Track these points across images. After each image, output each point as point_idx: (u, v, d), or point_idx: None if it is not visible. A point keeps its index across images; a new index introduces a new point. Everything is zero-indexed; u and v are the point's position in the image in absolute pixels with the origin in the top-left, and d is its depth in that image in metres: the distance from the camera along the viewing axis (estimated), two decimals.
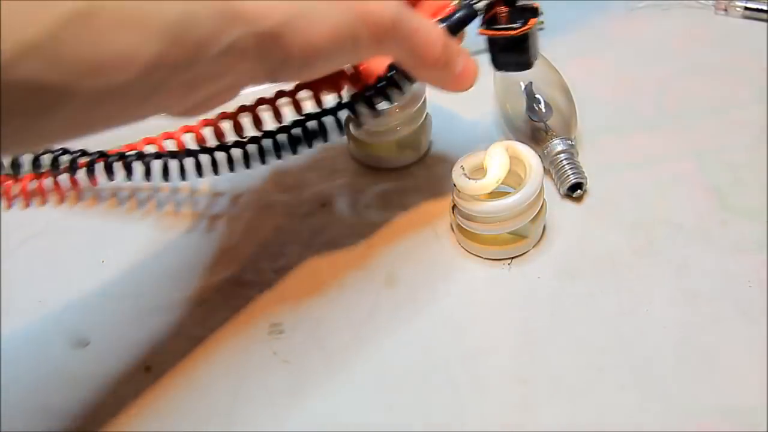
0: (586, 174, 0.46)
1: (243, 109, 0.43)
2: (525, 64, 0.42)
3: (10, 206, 0.49)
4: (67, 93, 0.26)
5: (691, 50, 0.55)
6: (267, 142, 0.42)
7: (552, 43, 0.55)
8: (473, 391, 0.39)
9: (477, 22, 0.41)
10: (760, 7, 0.57)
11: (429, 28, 0.37)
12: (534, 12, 0.41)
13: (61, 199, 0.49)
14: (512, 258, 0.44)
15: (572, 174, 0.46)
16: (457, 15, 0.40)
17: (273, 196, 0.48)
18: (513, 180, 0.44)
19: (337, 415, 0.39)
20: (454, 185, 0.43)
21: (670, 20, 0.58)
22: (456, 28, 0.40)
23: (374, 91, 0.41)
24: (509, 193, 0.42)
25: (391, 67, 0.41)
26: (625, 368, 0.39)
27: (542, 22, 0.56)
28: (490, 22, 0.41)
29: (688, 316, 0.41)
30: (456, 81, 0.39)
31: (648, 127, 0.50)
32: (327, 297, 0.43)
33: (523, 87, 0.48)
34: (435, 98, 0.49)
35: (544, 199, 0.44)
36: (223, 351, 0.41)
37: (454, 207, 0.44)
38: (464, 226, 0.44)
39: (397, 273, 0.44)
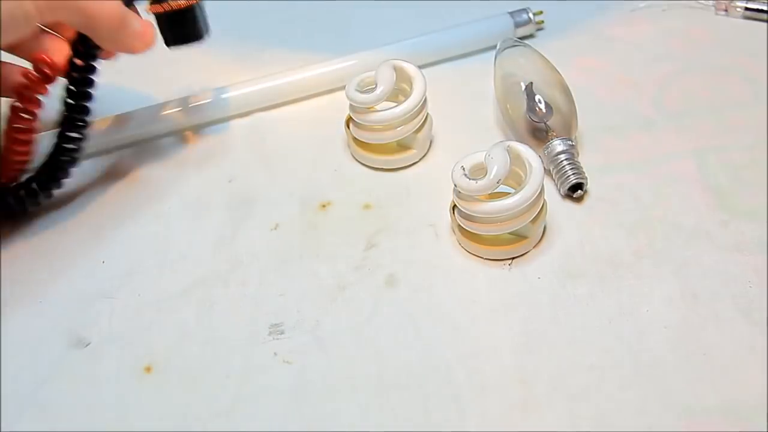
0: (586, 174, 0.46)
1: None
2: (196, 36, 0.45)
3: None
4: None
5: (691, 50, 0.55)
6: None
7: (552, 43, 0.55)
8: (473, 391, 0.39)
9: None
10: (760, 7, 0.57)
11: None
12: None
13: None
14: (512, 258, 0.44)
15: (573, 174, 0.46)
16: None
17: (273, 196, 0.48)
18: (513, 180, 0.44)
19: (337, 415, 0.39)
20: (454, 185, 0.43)
21: (670, 20, 0.58)
22: (127, 1, 0.42)
23: (74, 73, 0.42)
24: (509, 193, 0.42)
25: (73, 45, 0.42)
26: (625, 368, 0.39)
27: (542, 21, 0.56)
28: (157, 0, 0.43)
29: (688, 316, 0.41)
30: (136, 39, 0.42)
31: (648, 127, 0.50)
32: (327, 297, 0.43)
33: (523, 87, 0.48)
34: (435, 98, 0.49)
35: (544, 200, 0.44)
36: (223, 351, 0.41)
37: (454, 207, 0.44)
38: (464, 227, 0.44)
39: (398, 273, 0.44)
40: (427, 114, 0.49)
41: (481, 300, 0.43)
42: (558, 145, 0.46)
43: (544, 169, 0.44)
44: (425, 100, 0.48)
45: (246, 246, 0.46)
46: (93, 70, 0.43)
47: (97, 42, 0.42)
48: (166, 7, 0.43)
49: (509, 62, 0.50)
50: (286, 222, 0.47)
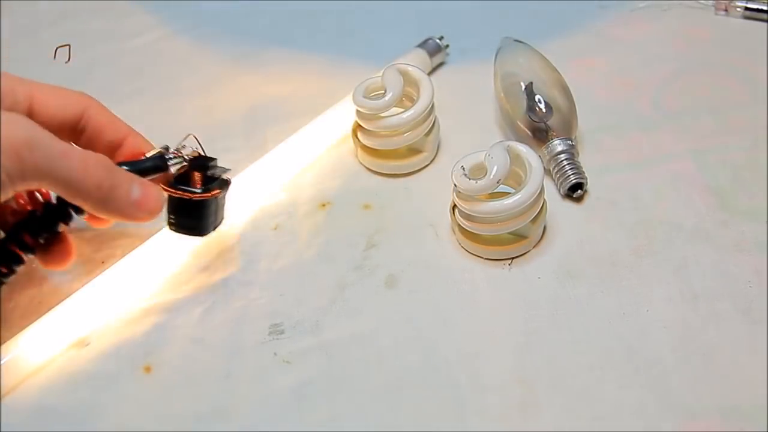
0: (586, 174, 0.46)
1: None
2: (197, 231, 0.41)
3: None
4: None
5: (691, 50, 0.55)
6: None
7: (552, 43, 0.55)
8: (473, 391, 0.39)
9: None
10: (760, 7, 0.57)
11: (82, 152, 0.35)
12: (223, 183, 0.41)
13: None
14: (512, 258, 0.44)
15: (573, 174, 0.46)
16: (145, 164, 0.39)
17: (273, 196, 0.48)
18: (513, 180, 0.44)
19: (337, 416, 0.39)
20: (454, 185, 0.43)
21: (670, 20, 0.58)
22: (141, 175, 0.39)
23: (37, 222, 0.39)
24: (509, 193, 0.42)
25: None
26: (625, 368, 0.39)
27: (447, 46, 0.55)
28: (180, 179, 0.40)
29: (688, 316, 0.41)
30: (132, 207, 0.37)
31: (648, 127, 0.50)
32: (327, 297, 0.43)
33: (523, 87, 0.48)
34: (435, 99, 0.49)
35: (544, 200, 0.44)
36: (223, 351, 0.41)
37: (454, 207, 0.44)
38: (464, 227, 0.44)
39: (398, 273, 0.44)
40: (435, 117, 0.49)
41: (481, 300, 0.43)
42: (558, 145, 0.46)
43: (544, 169, 0.44)
44: (433, 103, 0.48)
45: (246, 246, 0.46)
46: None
47: (79, 203, 0.37)
48: (178, 192, 0.39)
49: (509, 62, 0.50)
50: (286, 222, 0.47)
